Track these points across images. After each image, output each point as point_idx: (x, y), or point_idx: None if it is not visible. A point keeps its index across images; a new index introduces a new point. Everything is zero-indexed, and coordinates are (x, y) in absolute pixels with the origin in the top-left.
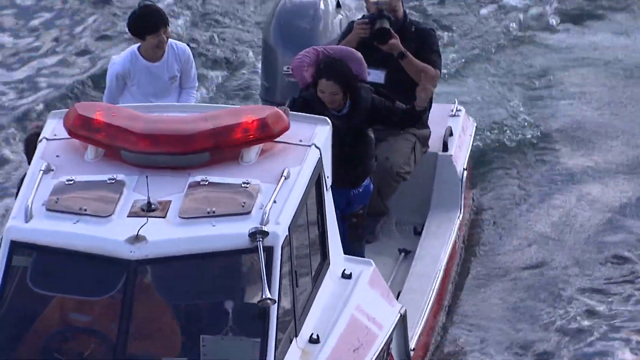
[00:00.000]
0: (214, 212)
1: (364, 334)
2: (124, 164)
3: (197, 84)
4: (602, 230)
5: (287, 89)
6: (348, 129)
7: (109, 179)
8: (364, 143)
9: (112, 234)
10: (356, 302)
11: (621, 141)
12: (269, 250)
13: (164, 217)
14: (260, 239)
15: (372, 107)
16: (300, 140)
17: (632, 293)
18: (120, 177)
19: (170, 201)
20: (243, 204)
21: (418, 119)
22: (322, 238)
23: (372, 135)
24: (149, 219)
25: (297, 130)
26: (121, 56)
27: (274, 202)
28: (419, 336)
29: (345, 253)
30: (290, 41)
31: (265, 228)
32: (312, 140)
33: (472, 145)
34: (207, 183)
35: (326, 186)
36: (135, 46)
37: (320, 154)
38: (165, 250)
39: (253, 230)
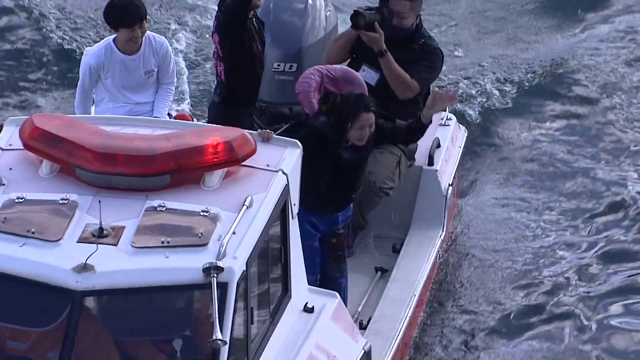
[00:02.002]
0: (168, 242)
1: None
2: (79, 182)
3: (175, 80)
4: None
5: (276, 87)
6: (357, 158)
7: (62, 199)
8: (363, 169)
9: (59, 261)
10: (315, 339)
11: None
12: (223, 287)
13: (115, 245)
14: (215, 275)
15: (377, 132)
16: (268, 165)
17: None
18: (73, 197)
19: (124, 227)
20: (200, 234)
21: (424, 132)
22: (284, 269)
23: None
24: (99, 246)
25: (265, 153)
26: (95, 48)
27: (234, 233)
28: None
29: (323, 278)
30: (279, 36)
31: (220, 263)
32: (279, 166)
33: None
34: (164, 209)
35: (292, 214)
36: (110, 37)
37: (288, 181)
38: (113, 281)
39: (207, 266)
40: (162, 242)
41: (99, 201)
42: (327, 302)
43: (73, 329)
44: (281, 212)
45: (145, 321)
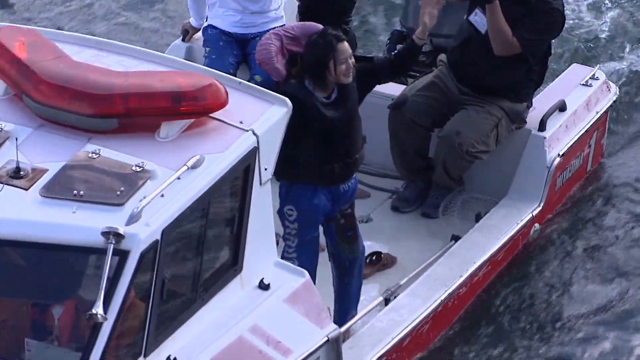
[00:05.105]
0: (81, 195)
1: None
2: (28, 111)
3: None
4: None
5: (414, 12)
6: (343, 114)
7: None
8: (358, 126)
9: None
10: (254, 321)
11: None
12: (123, 255)
13: (25, 190)
14: (112, 242)
15: (357, 79)
16: (241, 122)
17: None
18: (8, 127)
19: (46, 170)
20: (120, 191)
21: (416, 57)
22: (235, 239)
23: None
24: (6, 188)
25: (244, 107)
26: None
27: (161, 195)
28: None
29: (334, 261)
30: None
31: (121, 229)
32: (252, 125)
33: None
34: (97, 156)
35: (260, 180)
36: None
37: (258, 142)
38: (2, 231)
39: (106, 230)
40: (75, 195)
41: (16, 138)
42: (289, 280)
43: None
44: (243, 176)
45: (28, 281)
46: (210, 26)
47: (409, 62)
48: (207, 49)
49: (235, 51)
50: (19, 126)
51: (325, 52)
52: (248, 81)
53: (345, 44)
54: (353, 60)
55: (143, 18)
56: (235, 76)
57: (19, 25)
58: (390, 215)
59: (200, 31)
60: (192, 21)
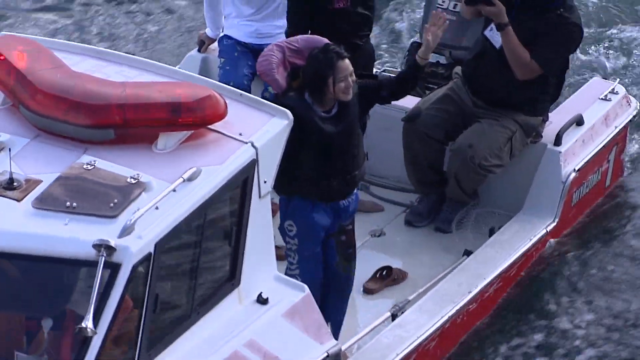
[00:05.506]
0: (74, 207)
1: None
2: (24, 121)
3: None
4: None
5: None
6: (343, 129)
7: None
8: (358, 142)
9: None
10: (250, 336)
11: None
12: (114, 268)
13: (18, 201)
14: (103, 254)
15: (359, 93)
16: (240, 134)
17: None
18: (4, 137)
19: (40, 182)
20: (114, 203)
21: (419, 77)
22: (233, 253)
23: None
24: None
25: (245, 119)
26: None
27: (156, 208)
28: None
29: (331, 277)
30: None
31: (114, 242)
32: (251, 137)
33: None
34: (91, 168)
35: (260, 193)
36: None
37: (257, 155)
38: None
39: (97, 242)
40: (68, 207)
41: (10, 149)
42: (289, 295)
43: None
44: (242, 189)
45: (18, 293)
46: (226, 36)
47: (411, 81)
48: (222, 60)
49: (250, 62)
50: (14, 137)
51: (325, 68)
52: (262, 93)
53: (347, 61)
54: (354, 77)
55: (158, 28)
56: (250, 88)
57: (18, 34)
58: (404, 230)
59: (216, 42)
60: (208, 31)
